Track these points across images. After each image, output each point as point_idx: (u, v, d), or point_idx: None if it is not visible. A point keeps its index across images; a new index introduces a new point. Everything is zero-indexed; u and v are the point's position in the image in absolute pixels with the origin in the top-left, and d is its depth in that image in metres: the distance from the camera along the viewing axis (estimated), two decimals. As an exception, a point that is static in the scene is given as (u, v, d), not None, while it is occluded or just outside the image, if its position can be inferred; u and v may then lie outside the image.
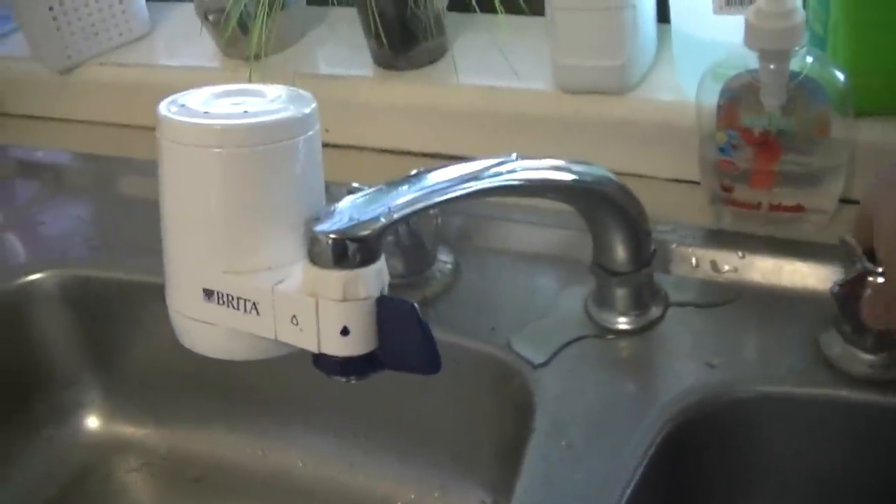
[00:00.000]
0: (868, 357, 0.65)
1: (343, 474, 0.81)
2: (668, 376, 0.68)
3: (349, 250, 0.51)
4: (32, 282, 0.86)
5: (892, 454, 0.65)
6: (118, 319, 0.86)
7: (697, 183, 0.79)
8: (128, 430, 0.88)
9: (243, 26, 0.90)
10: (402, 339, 0.52)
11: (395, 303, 0.52)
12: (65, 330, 0.86)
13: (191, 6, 1.00)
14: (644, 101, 0.81)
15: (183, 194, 0.54)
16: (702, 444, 0.66)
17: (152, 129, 0.97)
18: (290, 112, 0.54)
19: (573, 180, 0.62)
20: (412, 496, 0.78)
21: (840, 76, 0.69)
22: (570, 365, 0.70)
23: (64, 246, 0.89)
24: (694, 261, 0.75)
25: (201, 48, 0.99)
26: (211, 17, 0.92)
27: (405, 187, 0.55)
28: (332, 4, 0.94)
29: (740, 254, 0.74)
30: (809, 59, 0.69)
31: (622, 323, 0.72)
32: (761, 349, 0.69)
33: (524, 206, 0.80)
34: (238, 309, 0.54)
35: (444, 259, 0.79)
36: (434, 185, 0.56)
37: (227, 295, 0.54)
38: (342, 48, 0.95)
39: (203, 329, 0.56)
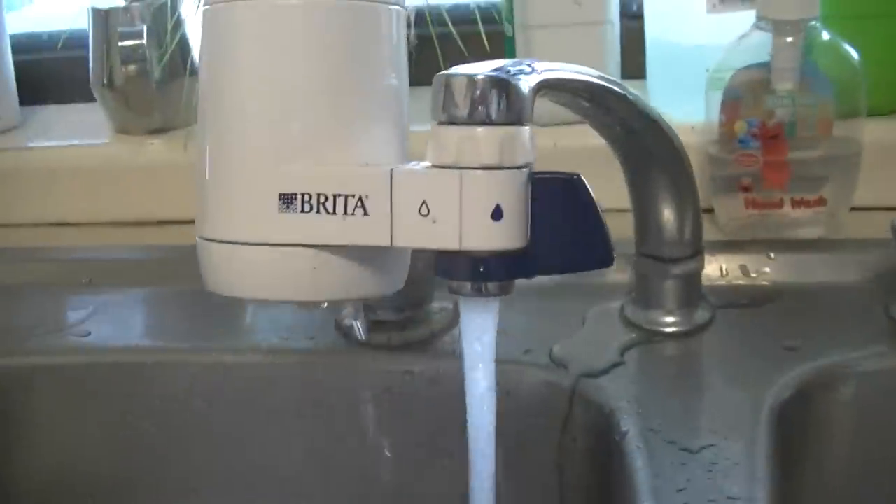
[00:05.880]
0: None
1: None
2: (752, 366, 0.59)
3: (504, 99, 0.40)
4: None
5: None
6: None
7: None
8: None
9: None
10: (564, 225, 0.41)
11: (551, 176, 0.41)
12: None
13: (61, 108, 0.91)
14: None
15: (249, 69, 0.42)
16: (810, 425, 0.57)
17: (28, 225, 0.83)
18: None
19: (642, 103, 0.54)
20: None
21: (853, 53, 0.67)
22: (634, 370, 0.59)
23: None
24: (723, 268, 0.68)
25: (81, 133, 0.85)
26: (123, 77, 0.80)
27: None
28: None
29: (772, 255, 0.68)
30: (826, 36, 0.67)
31: (670, 325, 0.62)
32: (833, 332, 0.61)
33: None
34: (333, 212, 0.41)
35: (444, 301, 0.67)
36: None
37: (319, 195, 0.41)
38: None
39: (267, 258, 0.42)
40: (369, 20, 0.42)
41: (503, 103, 0.40)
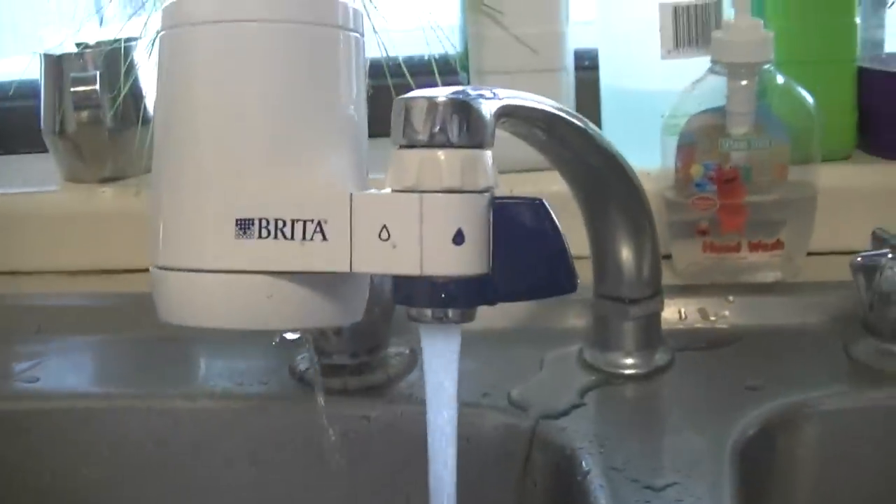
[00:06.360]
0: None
1: None
2: (714, 405, 0.58)
3: (465, 121, 0.39)
4: None
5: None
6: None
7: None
8: None
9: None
10: (527, 251, 0.40)
11: (514, 201, 0.40)
12: None
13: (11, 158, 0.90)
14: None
15: (205, 91, 0.41)
16: (773, 463, 0.56)
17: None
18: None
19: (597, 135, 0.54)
20: None
21: (808, 97, 0.68)
22: (594, 412, 0.59)
23: None
24: (681, 312, 0.68)
25: (31, 181, 0.84)
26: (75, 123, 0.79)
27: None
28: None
29: (730, 298, 0.68)
30: (780, 80, 0.67)
31: (630, 367, 0.62)
32: (795, 372, 0.61)
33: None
34: (292, 238, 0.40)
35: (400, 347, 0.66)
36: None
37: (277, 220, 0.40)
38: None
39: (223, 285, 0.41)
40: (327, 43, 0.42)
41: (464, 126, 0.39)
